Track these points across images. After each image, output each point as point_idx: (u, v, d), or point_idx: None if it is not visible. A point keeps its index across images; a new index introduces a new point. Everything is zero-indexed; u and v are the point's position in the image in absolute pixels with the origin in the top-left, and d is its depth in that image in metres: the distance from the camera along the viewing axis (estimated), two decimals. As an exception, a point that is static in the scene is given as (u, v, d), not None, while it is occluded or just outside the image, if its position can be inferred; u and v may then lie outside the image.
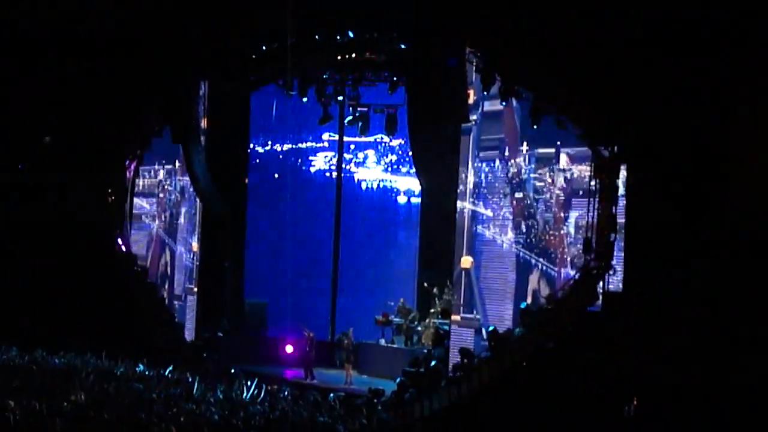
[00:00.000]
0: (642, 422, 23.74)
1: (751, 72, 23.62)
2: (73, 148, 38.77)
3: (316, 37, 32.00)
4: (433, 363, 29.45)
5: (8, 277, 37.13)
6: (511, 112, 28.23)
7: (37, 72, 37.82)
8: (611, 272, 25.08)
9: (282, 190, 38.53)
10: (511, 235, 28.29)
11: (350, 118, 36.45)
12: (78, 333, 33.73)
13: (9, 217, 38.47)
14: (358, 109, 35.87)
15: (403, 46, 29.85)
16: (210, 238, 36.48)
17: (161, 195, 39.00)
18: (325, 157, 38.91)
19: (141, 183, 39.96)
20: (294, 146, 38.62)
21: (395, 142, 38.05)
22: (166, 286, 38.14)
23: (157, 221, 39.17)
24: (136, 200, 39.93)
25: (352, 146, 38.76)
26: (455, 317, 29.48)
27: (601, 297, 25.18)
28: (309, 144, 38.74)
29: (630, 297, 24.72)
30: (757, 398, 22.64)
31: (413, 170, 35.63)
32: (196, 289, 36.57)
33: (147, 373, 30.30)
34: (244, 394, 27.23)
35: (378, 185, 38.97)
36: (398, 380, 29.17)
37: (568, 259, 26.59)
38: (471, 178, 29.34)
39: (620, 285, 25.15)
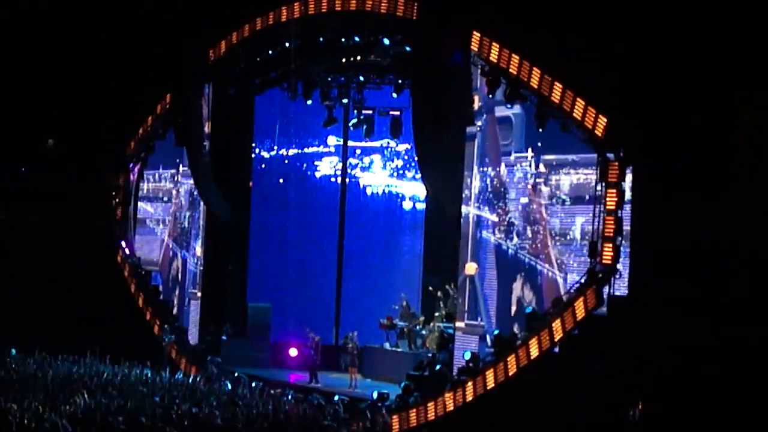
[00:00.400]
0: (647, 426, 23.64)
1: (756, 74, 23.56)
2: (77, 151, 38.83)
3: (320, 39, 32.00)
4: (437, 367, 29.39)
5: (11, 280, 37.18)
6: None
7: (40, 75, 37.89)
8: (617, 276, 25.01)
9: (287, 195, 38.45)
10: (516, 240, 28.19)
11: (355, 120, 36.41)
12: (80, 335, 33.73)
13: (12, 220, 38.53)
14: (363, 112, 35.85)
15: (407, 49, 29.77)
16: (214, 242, 36.42)
17: (165, 199, 38.97)
18: (331, 162, 38.82)
19: (146, 187, 39.95)
20: (300, 151, 38.53)
21: (401, 147, 37.96)
22: (177, 291, 38.05)
23: (161, 225, 39.11)
24: (140, 204, 39.94)
25: (358, 151, 38.69)
26: (460, 324, 29.38)
27: (606, 301, 25.09)
28: (314, 149, 38.66)
29: (635, 301, 24.64)
30: (762, 403, 22.56)
31: (419, 175, 35.53)
32: (199, 294, 36.51)
33: (150, 375, 30.30)
34: (248, 398, 27.19)
35: (383, 191, 38.88)
36: (403, 384, 29.10)
37: (574, 264, 26.49)
38: (476, 183, 29.26)
39: (626, 289, 25.06)
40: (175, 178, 38.29)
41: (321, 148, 38.69)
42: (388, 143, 38.15)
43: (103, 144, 38.67)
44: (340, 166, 38.62)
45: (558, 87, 25.74)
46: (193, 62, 34.21)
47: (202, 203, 36.23)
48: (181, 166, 37.65)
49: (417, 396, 27.91)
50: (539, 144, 27.47)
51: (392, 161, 38.70)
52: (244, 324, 36.72)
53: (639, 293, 24.64)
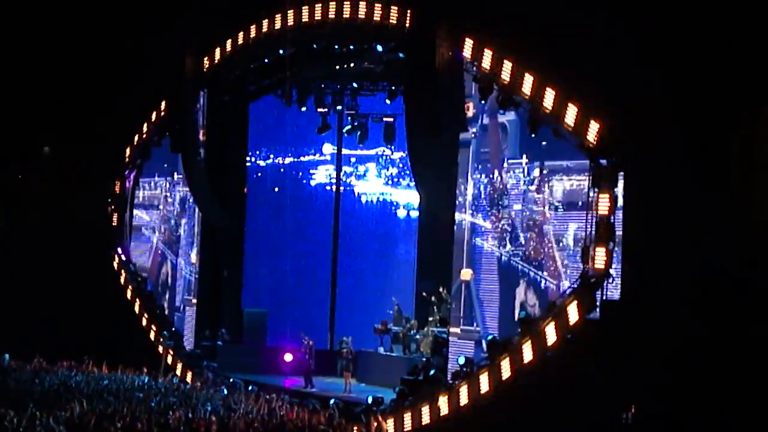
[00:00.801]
0: (640, 430, 23.73)
1: (751, 81, 23.66)
2: (73, 157, 38.88)
3: (314, 47, 32.13)
4: (432, 371, 29.48)
5: (8, 285, 37.22)
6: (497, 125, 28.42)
7: (36, 82, 37.96)
8: (609, 281, 25.12)
9: (282, 203, 38.57)
10: (510, 247, 28.27)
11: (349, 127, 36.54)
12: (77, 342, 33.77)
13: (8, 227, 38.58)
14: (357, 118, 35.99)
15: (401, 55, 29.88)
16: (209, 248, 36.53)
17: (160, 207, 39.05)
18: (326, 170, 38.93)
19: (141, 194, 40.03)
20: (295, 159, 38.65)
21: (396, 155, 38.05)
22: (167, 296, 38.19)
23: (157, 233, 39.20)
24: (136, 212, 40.00)
25: (353, 159, 38.80)
26: (455, 329, 29.45)
27: (599, 306, 25.19)
28: (310, 157, 38.77)
29: (628, 306, 24.74)
30: (756, 406, 22.65)
31: (413, 184, 35.60)
32: (195, 300, 36.60)
33: (146, 381, 30.34)
34: (244, 403, 27.25)
35: (378, 199, 38.98)
36: (397, 388, 29.20)
37: (567, 271, 26.58)
38: (470, 190, 29.36)
39: (618, 293, 25.17)
40: (170, 185, 38.37)
41: (317, 157, 38.81)
42: (383, 151, 38.28)
43: (99, 151, 38.76)
44: (335, 174, 38.76)
45: (550, 93, 25.83)
46: (189, 69, 34.30)
47: (197, 210, 36.34)
48: (176, 174, 37.76)
49: (411, 400, 28.00)
50: (534, 151, 27.57)
51: (387, 169, 38.81)
52: (240, 329, 36.88)
53: (632, 298, 24.72)
